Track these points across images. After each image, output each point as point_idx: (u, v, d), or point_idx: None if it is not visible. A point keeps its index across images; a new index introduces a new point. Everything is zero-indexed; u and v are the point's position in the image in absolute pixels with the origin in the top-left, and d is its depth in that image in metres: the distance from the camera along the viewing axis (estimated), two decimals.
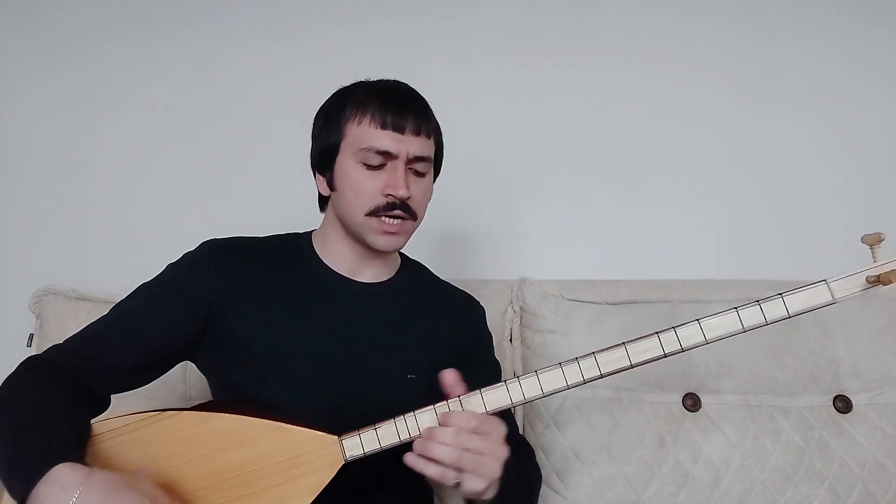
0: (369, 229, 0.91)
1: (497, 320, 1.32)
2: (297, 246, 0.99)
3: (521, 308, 1.35)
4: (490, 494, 0.79)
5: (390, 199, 0.89)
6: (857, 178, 1.50)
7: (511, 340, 1.35)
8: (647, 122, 1.53)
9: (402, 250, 1.03)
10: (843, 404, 1.24)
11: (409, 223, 0.93)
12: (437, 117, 0.98)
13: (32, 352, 1.38)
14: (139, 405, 1.27)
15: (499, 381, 0.99)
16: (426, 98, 0.97)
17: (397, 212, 0.90)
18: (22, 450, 0.70)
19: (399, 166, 0.90)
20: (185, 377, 1.30)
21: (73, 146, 1.58)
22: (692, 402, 1.25)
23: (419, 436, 0.77)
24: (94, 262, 1.55)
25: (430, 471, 0.74)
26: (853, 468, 1.18)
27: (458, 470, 0.74)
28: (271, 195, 1.56)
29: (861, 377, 1.24)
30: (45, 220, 1.58)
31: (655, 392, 1.26)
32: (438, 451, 0.73)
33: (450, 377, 0.79)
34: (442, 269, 1.09)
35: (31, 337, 1.41)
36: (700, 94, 1.52)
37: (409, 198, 0.90)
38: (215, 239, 0.97)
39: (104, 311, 0.91)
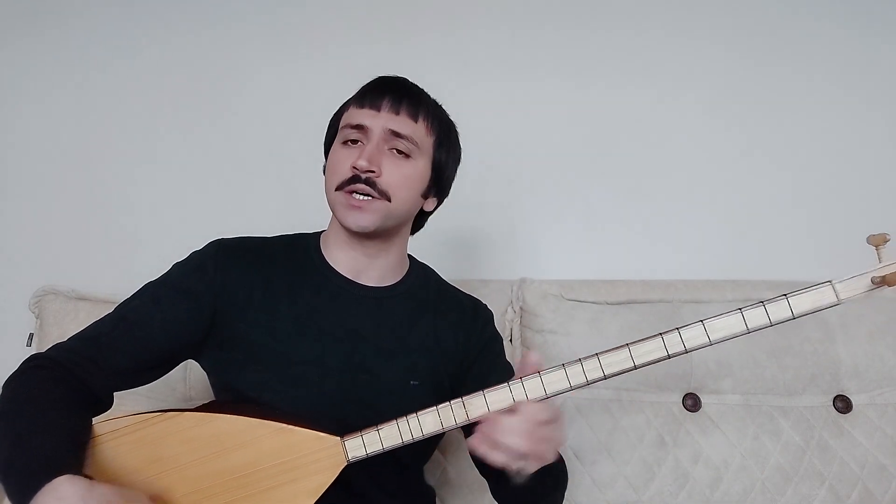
0: (338, 205, 0.89)
1: (497, 320, 1.29)
2: (304, 247, 0.98)
3: (521, 308, 1.35)
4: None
5: (354, 172, 0.87)
6: (858, 177, 1.50)
7: (511, 340, 1.34)
8: (647, 122, 1.53)
9: (410, 253, 1.02)
10: (843, 404, 1.24)
11: (379, 203, 0.88)
12: None
13: (32, 352, 1.39)
14: (139, 405, 1.27)
15: None
16: None
17: (360, 185, 0.86)
18: (21, 457, 0.69)
19: (371, 140, 0.88)
20: (185, 377, 1.30)
21: (73, 146, 1.58)
22: (692, 403, 1.25)
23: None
24: (94, 262, 1.55)
25: (495, 457, 0.72)
26: (853, 468, 1.19)
27: (524, 458, 0.72)
28: (272, 196, 1.56)
29: (861, 377, 1.24)
30: (45, 220, 1.57)
31: (655, 392, 1.26)
32: (511, 440, 0.71)
33: (534, 357, 0.77)
34: (442, 269, 1.08)
35: (31, 337, 1.41)
36: (700, 95, 1.52)
37: (374, 172, 0.87)
38: (223, 239, 0.95)
39: (104, 311, 0.90)
